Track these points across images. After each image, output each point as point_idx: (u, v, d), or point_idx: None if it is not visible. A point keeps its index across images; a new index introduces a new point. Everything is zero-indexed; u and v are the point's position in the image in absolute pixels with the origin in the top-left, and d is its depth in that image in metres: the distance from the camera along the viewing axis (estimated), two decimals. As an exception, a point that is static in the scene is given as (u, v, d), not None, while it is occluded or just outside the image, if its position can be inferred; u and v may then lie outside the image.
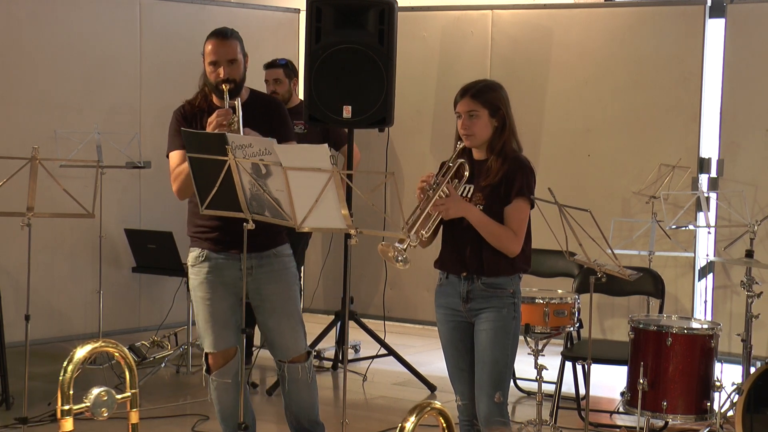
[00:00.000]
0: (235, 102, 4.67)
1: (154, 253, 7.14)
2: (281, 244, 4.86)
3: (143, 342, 7.44)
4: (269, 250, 4.79)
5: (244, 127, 4.65)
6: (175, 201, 7.65)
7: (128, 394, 2.42)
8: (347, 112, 6.87)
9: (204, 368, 4.91)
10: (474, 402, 4.41)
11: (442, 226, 4.46)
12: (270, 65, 7.12)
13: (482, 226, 4.29)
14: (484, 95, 4.37)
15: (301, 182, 4.25)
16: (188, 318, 7.18)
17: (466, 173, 4.38)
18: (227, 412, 4.84)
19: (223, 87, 4.69)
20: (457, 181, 4.37)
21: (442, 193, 4.29)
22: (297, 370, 4.83)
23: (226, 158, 4.42)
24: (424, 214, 4.27)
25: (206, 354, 4.86)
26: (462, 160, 4.37)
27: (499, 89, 4.43)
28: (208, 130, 4.62)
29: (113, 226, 7.18)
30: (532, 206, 4.39)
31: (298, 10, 8.07)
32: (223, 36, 4.81)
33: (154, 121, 7.45)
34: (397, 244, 4.16)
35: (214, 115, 4.65)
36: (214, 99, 4.80)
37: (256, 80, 7.66)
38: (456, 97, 4.42)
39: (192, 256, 4.85)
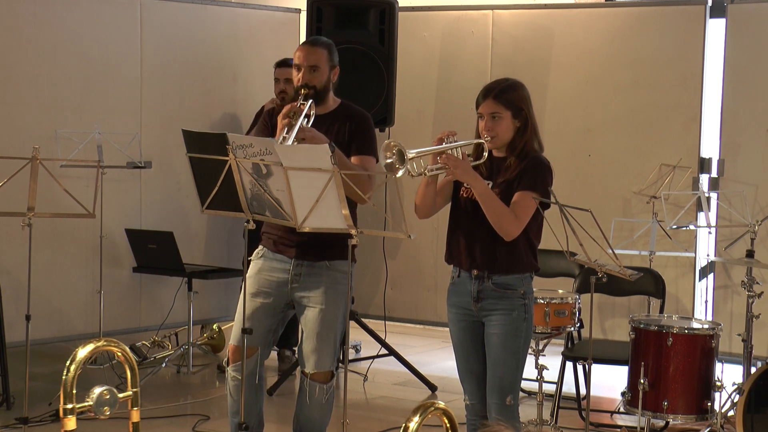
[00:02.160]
0: (306, 103, 4.73)
1: (154, 253, 7.14)
2: (339, 259, 4.81)
3: (144, 342, 7.44)
4: (322, 261, 4.77)
5: (311, 127, 4.68)
6: (175, 201, 7.69)
7: (129, 392, 2.42)
8: (348, 112, 6.86)
9: (225, 359, 4.96)
10: (482, 402, 4.41)
11: (453, 217, 4.46)
12: (281, 64, 7.11)
13: (485, 199, 4.26)
14: (507, 96, 4.36)
15: (301, 182, 4.25)
16: (189, 318, 7.18)
17: (485, 153, 4.37)
18: (234, 408, 4.87)
19: (301, 91, 4.75)
20: (471, 159, 4.36)
21: (456, 152, 4.28)
22: (315, 390, 4.82)
23: (226, 158, 4.43)
24: (431, 153, 4.25)
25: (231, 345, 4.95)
26: (482, 141, 4.36)
27: (521, 89, 4.42)
28: (278, 121, 4.71)
29: (114, 226, 7.17)
30: (546, 207, 4.38)
31: (298, 10, 8.07)
32: (311, 43, 4.94)
33: (154, 121, 7.45)
34: (395, 143, 4.11)
35: (284, 109, 4.75)
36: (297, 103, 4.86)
37: (260, 79, 7.68)
38: (478, 98, 4.40)
39: (256, 251, 4.91)
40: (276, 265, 4.79)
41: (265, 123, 4.91)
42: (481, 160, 4.37)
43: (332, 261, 4.77)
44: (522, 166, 4.35)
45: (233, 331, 4.91)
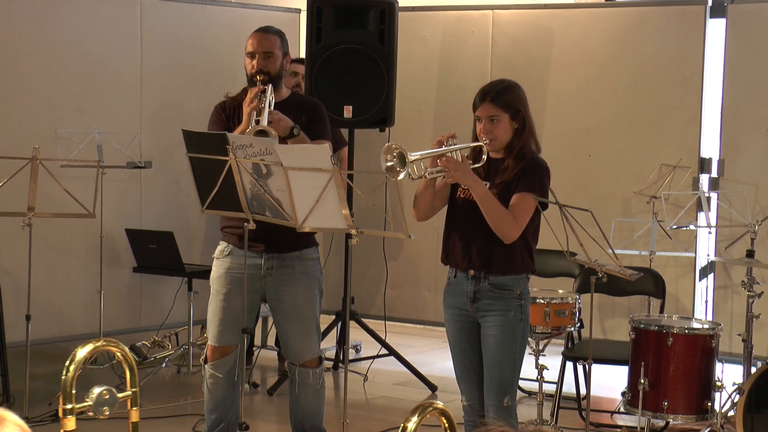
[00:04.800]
0: (266, 87, 4.75)
1: (154, 253, 7.14)
2: (307, 247, 4.85)
3: (144, 342, 7.44)
4: (292, 252, 4.80)
5: (276, 110, 4.71)
6: (175, 201, 7.69)
7: (129, 392, 2.42)
8: (348, 112, 6.87)
9: (203, 357, 5.01)
10: (479, 402, 4.42)
11: (449, 218, 4.45)
12: (299, 60, 7.16)
13: (485, 202, 4.26)
14: (504, 98, 4.35)
15: (301, 182, 4.25)
16: (189, 318, 7.18)
17: (484, 156, 4.37)
18: (211, 405, 4.90)
19: (257, 78, 4.77)
20: (470, 161, 4.36)
21: (456, 155, 4.28)
22: (308, 375, 4.86)
23: (226, 158, 4.43)
24: (430, 156, 4.26)
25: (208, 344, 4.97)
26: (481, 144, 4.35)
27: (517, 90, 4.42)
28: (244, 108, 4.72)
29: (114, 226, 7.17)
30: (545, 207, 4.38)
31: (298, 10, 8.07)
32: (263, 30, 4.98)
33: (154, 120, 7.45)
34: (396, 146, 4.12)
35: (247, 95, 4.75)
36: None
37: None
38: (475, 101, 4.39)
39: (218, 249, 4.94)
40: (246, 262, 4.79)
41: (219, 116, 4.92)
42: (480, 163, 4.37)
43: (301, 250, 4.81)
44: (520, 168, 4.35)
45: (211, 331, 4.91)
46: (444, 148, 4.27)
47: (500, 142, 4.37)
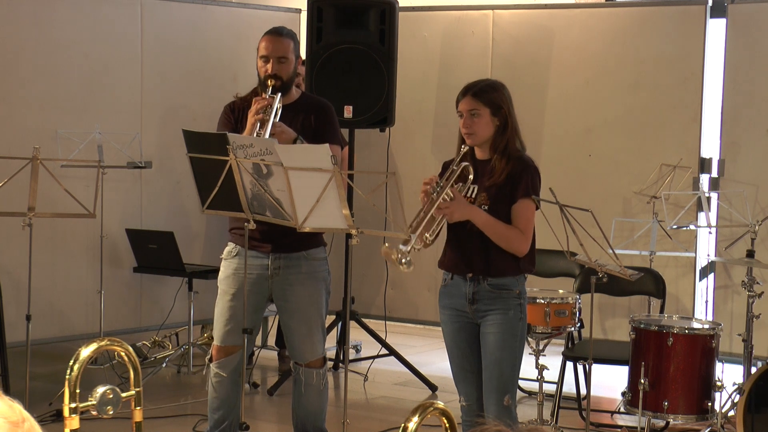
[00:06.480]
0: (275, 97, 4.73)
1: (155, 253, 7.14)
2: (315, 247, 4.86)
3: (144, 342, 7.45)
4: (299, 252, 4.81)
5: (279, 122, 4.71)
6: (176, 201, 7.69)
7: (132, 392, 2.42)
8: (348, 112, 6.87)
9: (208, 356, 5.05)
10: (478, 403, 4.42)
11: (445, 227, 4.46)
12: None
13: (489, 228, 4.28)
14: (486, 94, 4.38)
15: (302, 182, 4.26)
16: (189, 318, 7.18)
17: (471, 176, 4.38)
18: (215, 404, 4.91)
19: (269, 82, 4.76)
20: (461, 184, 4.37)
21: (446, 195, 4.28)
22: (312, 376, 4.88)
23: (227, 158, 4.44)
24: (428, 217, 4.27)
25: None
26: (466, 163, 4.36)
27: (501, 89, 4.44)
28: (249, 118, 4.72)
29: (114, 226, 7.17)
30: (537, 207, 4.39)
31: (299, 10, 8.07)
32: (277, 33, 4.94)
33: (155, 120, 7.45)
34: (401, 246, 4.15)
35: (254, 103, 4.73)
36: (262, 95, 4.87)
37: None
38: (458, 96, 4.43)
39: (226, 250, 4.95)
40: (253, 262, 4.78)
41: (228, 118, 4.91)
42: (468, 182, 4.37)
43: (309, 250, 4.82)
44: (509, 168, 4.35)
45: (217, 331, 4.93)
46: (437, 201, 4.25)
47: (480, 137, 4.37)
